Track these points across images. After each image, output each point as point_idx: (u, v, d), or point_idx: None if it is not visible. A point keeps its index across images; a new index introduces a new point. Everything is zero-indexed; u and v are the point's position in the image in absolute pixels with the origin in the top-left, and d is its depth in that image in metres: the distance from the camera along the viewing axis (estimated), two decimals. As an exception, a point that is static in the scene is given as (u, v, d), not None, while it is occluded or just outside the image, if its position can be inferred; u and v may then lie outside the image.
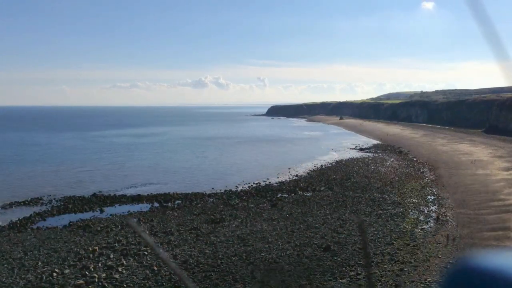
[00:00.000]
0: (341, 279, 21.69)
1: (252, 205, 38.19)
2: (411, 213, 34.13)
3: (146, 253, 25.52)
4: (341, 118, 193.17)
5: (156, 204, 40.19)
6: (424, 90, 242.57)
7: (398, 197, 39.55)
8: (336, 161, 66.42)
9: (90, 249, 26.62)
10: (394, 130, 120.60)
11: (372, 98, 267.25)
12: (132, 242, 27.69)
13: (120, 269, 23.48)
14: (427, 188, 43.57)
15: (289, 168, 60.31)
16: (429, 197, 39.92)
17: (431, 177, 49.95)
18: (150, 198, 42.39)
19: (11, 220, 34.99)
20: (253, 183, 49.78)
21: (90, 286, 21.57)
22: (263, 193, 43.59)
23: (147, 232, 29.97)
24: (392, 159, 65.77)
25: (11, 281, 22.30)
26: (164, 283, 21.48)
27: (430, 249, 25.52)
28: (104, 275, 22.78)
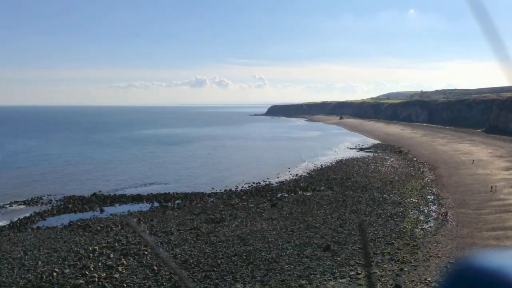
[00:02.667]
0: (341, 278, 21.69)
1: (252, 205, 38.20)
2: (411, 212, 34.13)
3: (146, 252, 25.52)
4: (341, 118, 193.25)
5: (156, 204, 40.20)
6: (424, 90, 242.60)
7: (398, 197, 39.55)
8: (336, 161, 66.44)
9: (90, 248, 26.62)
10: (394, 129, 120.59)
11: (372, 98, 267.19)
12: (132, 242, 27.70)
13: (120, 268, 23.48)
14: (427, 188, 43.57)
15: (289, 168, 60.33)
16: (429, 196, 39.92)
17: (431, 176, 49.95)
18: (150, 198, 42.40)
19: (11, 220, 35.01)
20: (253, 183, 49.80)
21: (90, 286, 21.57)
22: (263, 193, 43.61)
23: (147, 231, 29.98)
24: (392, 159, 65.77)
25: (11, 280, 22.30)
26: (164, 283, 21.48)
27: (430, 249, 25.52)
28: (104, 274, 22.78)
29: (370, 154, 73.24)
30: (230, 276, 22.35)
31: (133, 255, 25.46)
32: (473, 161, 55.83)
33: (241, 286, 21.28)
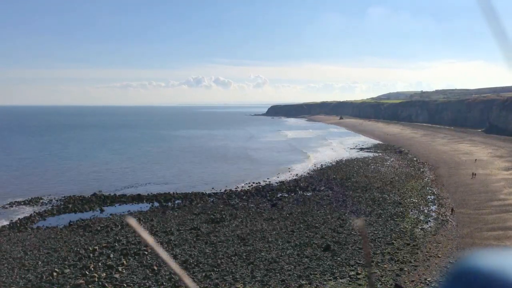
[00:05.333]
0: (341, 278, 21.70)
1: (252, 205, 38.21)
2: (411, 212, 34.13)
3: (146, 252, 25.53)
4: (341, 118, 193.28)
5: (156, 204, 40.20)
6: (424, 90, 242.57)
7: (398, 197, 39.56)
8: (336, 161, 66.44)
9: (90, 248, 26.63)
10: (394, 129, 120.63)
11: (372, 98, 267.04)
12: (132, 242, 27.70)
13: (120, 268, 23.49)
14: (427, 188, 43.57)
15: (289, 168, 60.35)
16: (429, 196, 39.92)
17: (431, 176, 49.94)
18: (150, 198, 42.39)
19: (12, 220, 35.01)
20: (253, 182, 49.80)
21: (90, 286, 21.58)
22: (263, 192, 43.60)
23: (147, 231, 29.97)
24: (392, 159, 65.77)
25: (11, 280, 22.31)
26: (164, 283, 21.49)
27: (430, 248, 25.53)
28: (104, 274, 22.79)
29: (370, 154, 73.25)
30: (230, 276, 22.36)
31: (133, 255, 25.47)
32: (475, 160, 56.52)
33: (241, 286, 21.28)
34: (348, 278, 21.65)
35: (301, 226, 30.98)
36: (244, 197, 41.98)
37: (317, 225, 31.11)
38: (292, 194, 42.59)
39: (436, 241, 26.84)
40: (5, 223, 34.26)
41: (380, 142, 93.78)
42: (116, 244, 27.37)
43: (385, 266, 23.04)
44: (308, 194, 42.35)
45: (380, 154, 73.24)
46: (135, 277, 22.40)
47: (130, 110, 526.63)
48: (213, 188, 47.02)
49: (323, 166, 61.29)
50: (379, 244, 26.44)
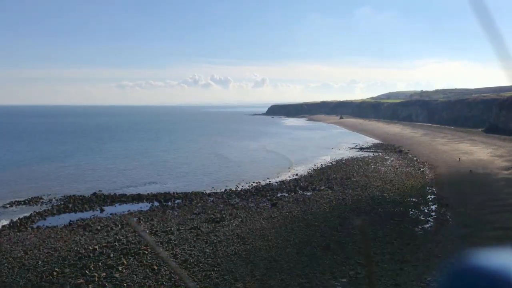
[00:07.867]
0: (340, 278, 21.70)
1: (252, 204, 38.21)
2: (411, 212, 34.14)
3: (146, 252, 25.52)
4: (341, 118, 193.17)
5: (156, 203, 40.19)
6: (424, 90, 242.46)
7: (398, 196, 39.57)
8: (336, 160, 66.43)
9: (90, 248, 26.61)
10: (394, 129, 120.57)
11: (372, 98, 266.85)
12: (132, 241, 27.69)
13: (120, 268, 23.47)
14: (427, 187, 43.58)
15: (289, 168, 60.34)
16: (429, 196, 39.93)
17: (431, 176, 49.94)
18: (150, 197, 42.39)
19: (12, 219, 34.99)
20: (253, 182, 49.79)
21: (90, 285, 21.57)
22: (263, 192, 43.60)
23: (147, 231, 29.99)
24: (392, 158, 65.76)
25: (11, 280, 22.30)
26: (164, 282, 21.48)
27: (430, 248, 25.52)
28: (104, 274, 22.77)
29: (370, 154, 73.23)
30: (230, 276, 22.36)
31: (133, 254, 25.45)
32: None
33: (241, 285, 21.28)
34: (348, 278, 21.65)
35: (301, 224, 30.98)
36: (244, 196, 41.98)
37: (316, 223, 31.12)
38: (292, 194, 42.58)
39: (436, 241, 26.83)
40: (5, 223, 34.23)
41: (380, 142, 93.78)
42: (116, 244, 27.35)
43: (385, 266, 23.03)
44: (308, 194, 42.34)
45: (380, 153, 73.24)
46: (135, 277, 22.40)
47: (136, 110, 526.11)
48: (213, 187, 47.03)
49: (323, 166, 61.28)
50: (379, 243, 26.43)
